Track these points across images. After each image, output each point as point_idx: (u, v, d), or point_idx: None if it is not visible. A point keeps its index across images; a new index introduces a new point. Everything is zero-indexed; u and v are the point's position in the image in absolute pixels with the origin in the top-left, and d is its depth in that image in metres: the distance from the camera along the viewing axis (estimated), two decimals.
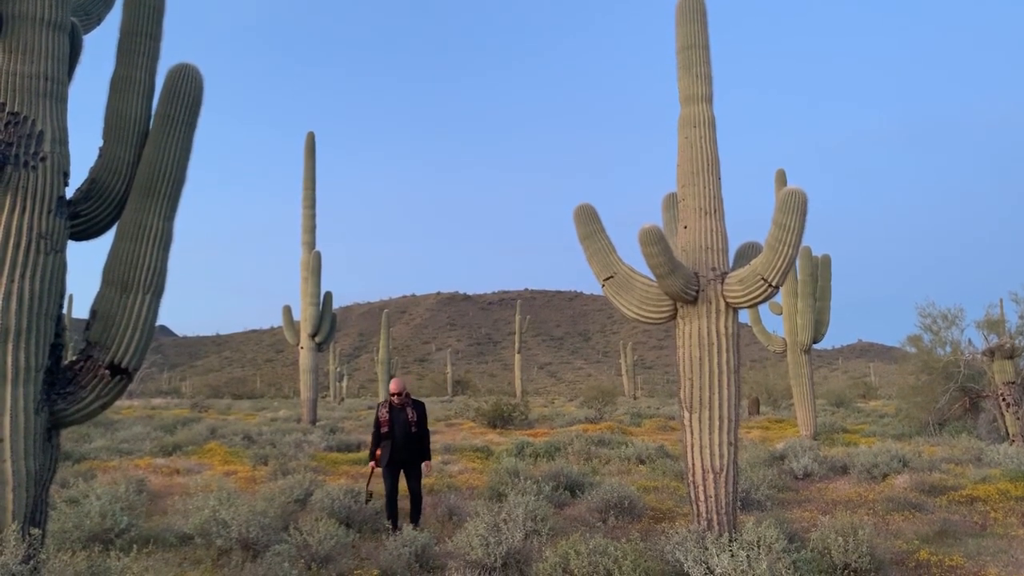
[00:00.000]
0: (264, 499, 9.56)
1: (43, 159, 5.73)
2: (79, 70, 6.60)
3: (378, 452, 9.04)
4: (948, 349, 21.16)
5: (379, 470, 9.11)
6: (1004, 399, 18.17)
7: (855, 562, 7.05)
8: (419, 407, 9.23)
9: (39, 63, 5.83)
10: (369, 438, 11.64)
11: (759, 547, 6.43)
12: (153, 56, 6.66)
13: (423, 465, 9.23)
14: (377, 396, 46.06)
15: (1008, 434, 17.91)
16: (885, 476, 13.08)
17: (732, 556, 6.18)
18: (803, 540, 7.81)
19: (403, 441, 8.99)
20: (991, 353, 18.83)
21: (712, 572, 6.18)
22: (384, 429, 9.00)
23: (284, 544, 7.53)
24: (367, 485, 9.18)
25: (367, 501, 9.26)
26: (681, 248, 8.13)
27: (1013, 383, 18.10)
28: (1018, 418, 17.76)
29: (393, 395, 9.09)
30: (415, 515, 9.15)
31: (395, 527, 8.60)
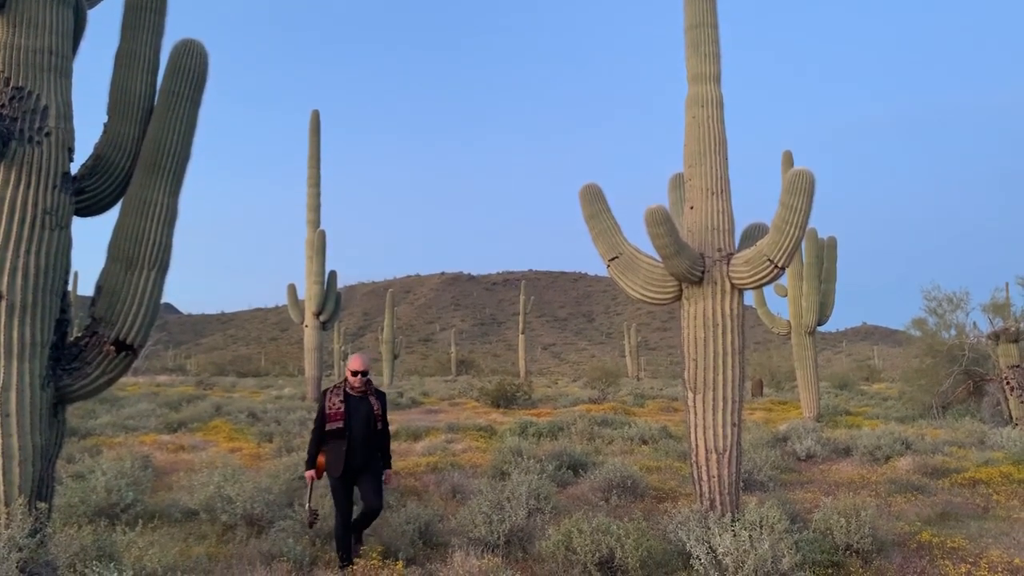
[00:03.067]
0: (269, 476, 9.60)
1: (48, 134, 5.70)
2: (83, 45, 6.55)
3: (321, 457, 6.70)
4: (953, 332, 21.15)
5: (321, 480, 7.02)
6: (1008, 383, 18.16)
7: (857, 543, 7.07)
8: (382, 398, 6.96)
9: (43, 37, 5.79)
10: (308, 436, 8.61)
11: (761, 527, 6.45)
12: (158, 31, 6.61)
13: (385, 473, 6.96)
14: (381, 376, 46.01)
15: (1012, 417, 17.92)
16: (888, 458, 13.10)
17: (734, 536, 6.20)
18: (805, 521, 7.83)
19: (362, 442, 6.66)
20: (996, 337, 18.81)
21: (714, 552, 6.20)
22: (336, 425, 6.58)
23: (288, 520, 7.58)
24: (308, 501, 6.81)
25: (312, 524, 6.88)
26: (687, 229, 8.10)
27: (1017, 367, 18.09)
28: (1022, 401, 17.75)
29: (354, 375, 6.73)
30: (363, 525, 7.00)
31: (347, 562, 6.61)
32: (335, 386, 6.80)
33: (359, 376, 6.74)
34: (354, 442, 6.62)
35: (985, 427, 16.37)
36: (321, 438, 6.70)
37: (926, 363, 21.83)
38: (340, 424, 6.59)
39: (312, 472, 6.71)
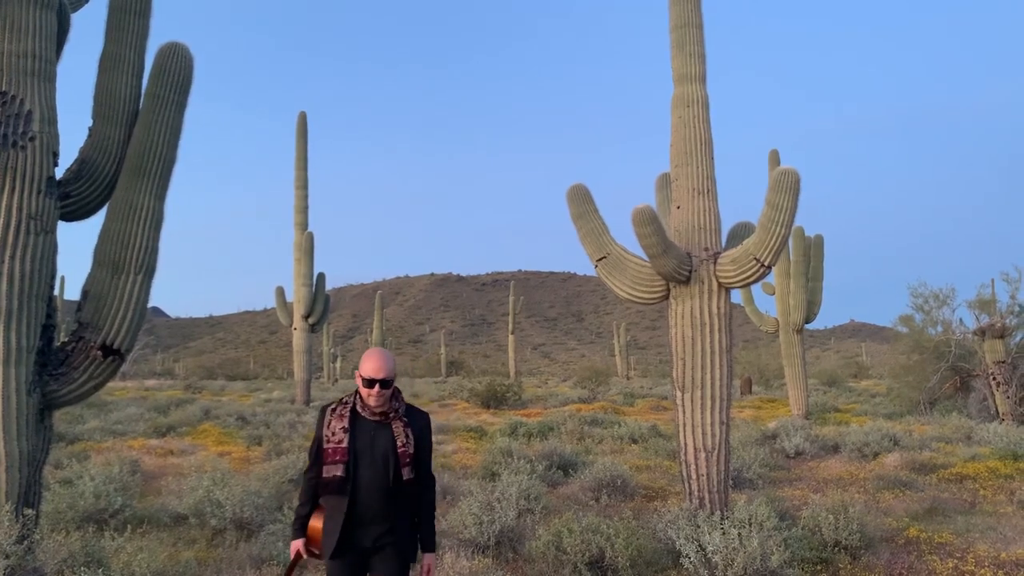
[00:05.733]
0: (258, 479, 9.58)
1: (32, 139, 5.67)
2: (67, 48, 6.52)
3: (316, 520, 3.99)
4: (939, 329, 21.30)
5: (313, 560, 4.46)
6: (994, 378, 18.29)
7: (845, 539, 7.11)
8: (418, 424, 4.06)
9: (26, 41, 5.76)
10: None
11: (750, 525, 6.48)
12: (142, 34, 6.58)
13: (423, 561, 4.06)
14: None
15: (998, 413, 18.05)
16: (876, 455, 13.18)
17: (724, 534, 6.23)
18: (794, 518, 7.87)
19: (378, 501, 3.88)
20: (982, 333, 18.95)
21: (704, 550, 6.23)
22: (334, 471, 3.87)
23: (278, 524, 7.56)
24: None
25: None
26: (674, 228, 8.13)
27: (1003, 362, 18.22)
28: (1008, 397, 17.89)
29: (369, 385, 3.89)
30: None
31: None
32: (341, 401, 4.01)
33: (377, 387, 3.83)
34: (362, 502, 3.80)
35: (972, 423, 16.50)
36: (314, 489, 3.95)
37: (913, 360, 21.99)
38: (339, 471, 3.79)
39: (300, 543, 3.97)
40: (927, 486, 10.75)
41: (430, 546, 4.04)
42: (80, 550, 5.83)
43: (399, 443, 3.89)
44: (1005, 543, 7.76)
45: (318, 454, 3.95)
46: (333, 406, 4.01)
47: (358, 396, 3.96)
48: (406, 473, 3.88)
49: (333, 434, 3.91)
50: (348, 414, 3.93)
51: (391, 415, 3.94)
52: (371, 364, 3.87)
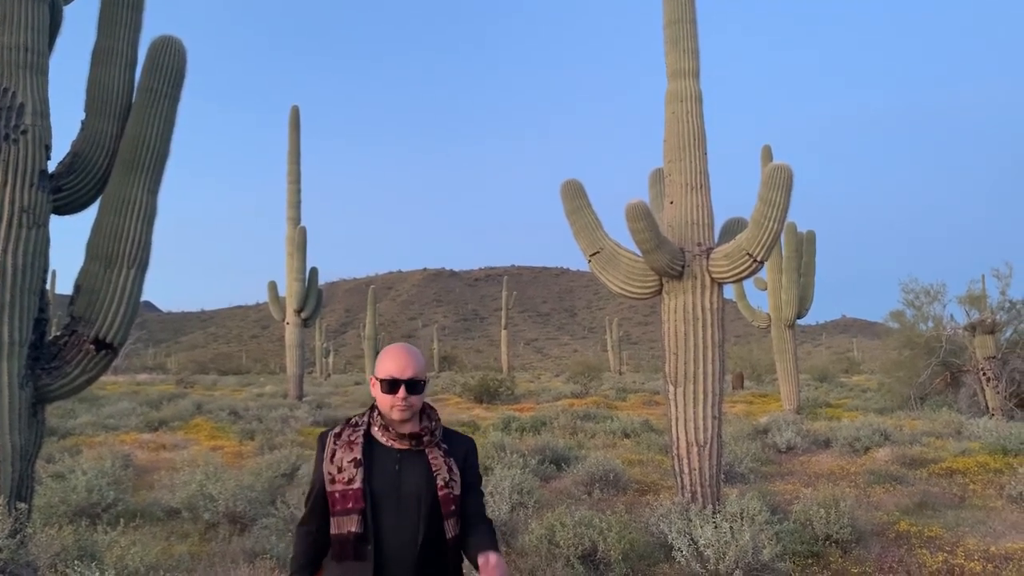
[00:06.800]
0: (251, 474, 9.58)
1: (24, 132, 5.65)
2: (60, 41, 6.49)
3: None
4: (930, 324, 21.38)
5: None
6: (984, 374, 18.40)
7: (836, 533, 7.16)
8: (461, 451, 2.87)
9: (19, 34, 5.73)
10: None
11: (742, 519, 6.51)
12: (135, 27, 6.56)
13: (491, 557, 2.57)
14: (364, 372, 45.43)
15: (988, 408, 18.15)
16: (867, 449, 13.25)
17: (716, 528, 6.26)
18: (786, 512, 7.91)
19: (409, 566, 2.60)
20: (972, 328, 19.05)
21: (696, 543, 6.26)
22: (347, 529, 2.60)
23: (271, 518, 7.56)
24: None
25: None
26: (667, 223, 8.15)
27: (994, 358, 18.32)
28: (998, 392, 18.00)
29: (391, 389, 2.66)
30: None
31: None
32: (348, 423, 2.83)
33: (403, 391, 2.67)
34: (386, 568, 2.61)
35: (962, 418, 16.59)
36: (313, 548, 2.76)
37: (904, 355, 22.07)
38: (354, 525, 2.61)
39: None
40: (917, 481, 10.81)
41: (494, 546, 2.66)
42: (73, 544, 5.82)
43: (439, 481, 2.63)
44: (994, 537, 7.82)
45: (318, 500, 2.69)
46: (337, 430, 2.76)
47: (374, 414, 2.75)
48: (450, 528, 2.64)
49: (340, 470, 2.63)
50: (360, 440, 2.68)
51: (425, 438, 2.70)
52: (392, 360, 2.66)
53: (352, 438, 2.70)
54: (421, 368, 2.69)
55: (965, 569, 6.56)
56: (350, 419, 2.81)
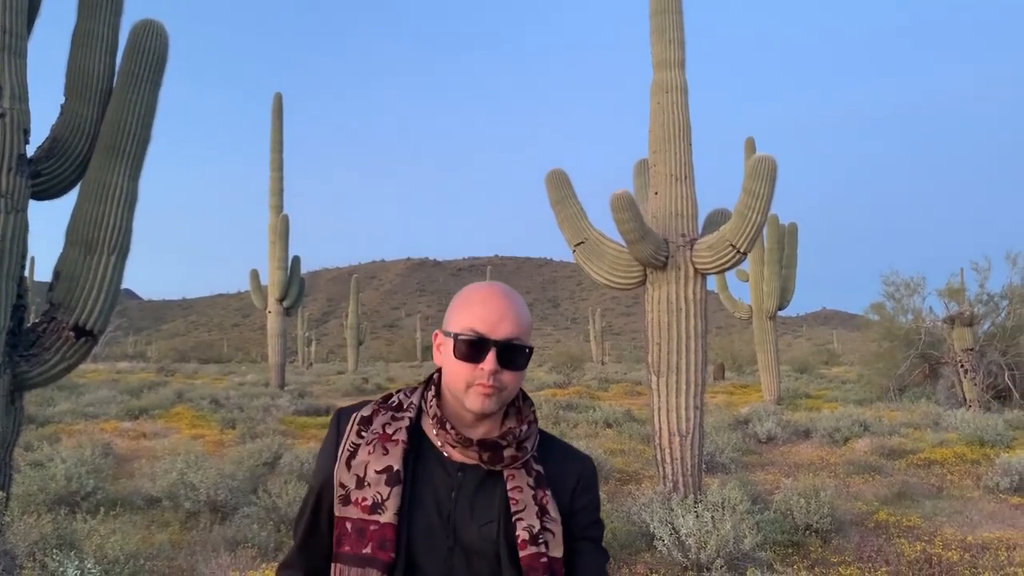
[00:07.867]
0: (232, 462, 9.53)
1: (2, 116, 5.56)
2: (39, 24, 6.39)
3: None
4: (910, 317, 21.60)
5: None
6: (962, 366, 18.61)
7: (816, 523, 7.22)
8: (568, 475, 1.61)
9: None
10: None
11: (723, 508, 6.55)
12: (116, 10, 6.46)
13: None
14: (345, 362, 45.32)
15: (966, 400, 18.38)
16: (846, 440, 13.37)
17: (697, 517, 6.29)
18: (766, 502, 7.97)
19: None
20: (951, 321, 19.25)
21: (677, 533, 6.29)
22: None
23: (253, 506, 7.53)
24: None
25: None
26: (651, 214, 8.16)
27: (971, 350, 18.54)
28: (975, 384, 18.21)
29: (482, 349, 1.47)
30: None
31: None
32: (384, 402, 1.63)
33: (492, 360, 1.47)
34: None
35: (940, 409, 16.79)
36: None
37: (884, 347, 22.29)
38: None
39: None
40: (896, 471, 10.93)
41: None
42: (52, 533, 5.77)
43: (520, 533, 1.50)
44: (971, 527, 7.92)
45: (316, 528, 1.60)
46: (367, 412, 1.61)
47: (429, 395, 1.61)
48: None
49: (361, 484, 1.52)
50: (404, 437, 1.55)
51: (506, 451, 1.54)
52: (483, 306, 1.52)
53: (391, 431, 1.56)
54: (526, 326, 1.54)
55: (943, 558, 6.64)
56: (389, 397, 1.66)
